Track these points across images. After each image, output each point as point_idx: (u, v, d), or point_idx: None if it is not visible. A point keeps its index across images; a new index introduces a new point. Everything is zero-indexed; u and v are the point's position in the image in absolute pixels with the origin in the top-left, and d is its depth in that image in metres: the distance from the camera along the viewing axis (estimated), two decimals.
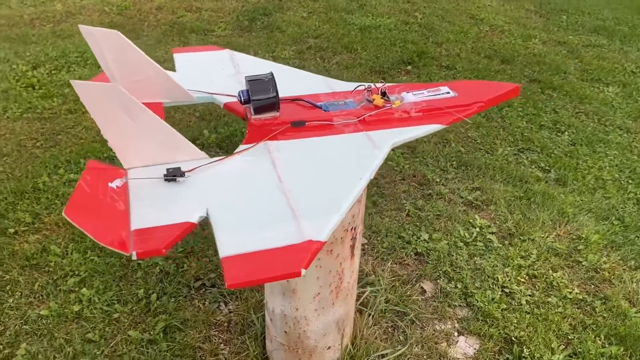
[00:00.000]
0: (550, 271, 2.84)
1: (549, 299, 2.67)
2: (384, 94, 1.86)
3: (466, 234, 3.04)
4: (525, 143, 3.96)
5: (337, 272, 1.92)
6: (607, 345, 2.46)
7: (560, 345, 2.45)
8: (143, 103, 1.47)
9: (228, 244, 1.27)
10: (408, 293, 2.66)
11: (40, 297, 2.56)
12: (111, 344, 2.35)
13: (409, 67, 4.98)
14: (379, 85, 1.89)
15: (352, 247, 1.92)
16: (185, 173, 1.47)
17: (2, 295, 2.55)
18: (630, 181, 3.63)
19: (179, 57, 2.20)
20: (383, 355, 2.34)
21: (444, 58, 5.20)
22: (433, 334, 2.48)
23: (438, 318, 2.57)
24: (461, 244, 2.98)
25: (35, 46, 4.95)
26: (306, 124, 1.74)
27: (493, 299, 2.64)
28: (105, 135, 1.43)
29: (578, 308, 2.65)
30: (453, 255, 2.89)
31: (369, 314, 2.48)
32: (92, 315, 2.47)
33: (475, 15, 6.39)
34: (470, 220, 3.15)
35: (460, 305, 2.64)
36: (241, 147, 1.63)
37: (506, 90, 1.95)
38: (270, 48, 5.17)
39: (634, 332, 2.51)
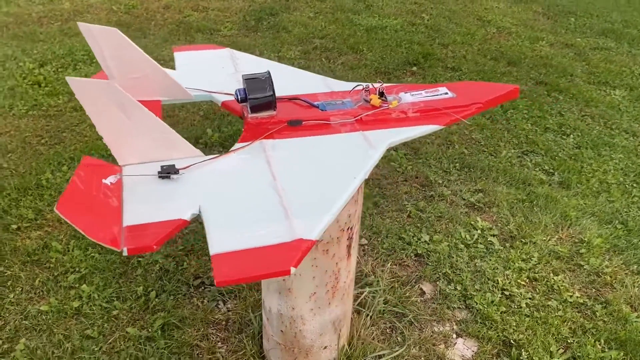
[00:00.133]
0: (551, 274, 2.82)
1: (549, 303, 2.66)
2: (381, 94, 1.86)
3: (467, 236, 3.03)
4: (529, 145, 3.94)
5: (333, 272, 1.92)
6: (606, 350, 2.44)
7: (559, 349, 2.43)
8: (141, 101, 1.48)
9: (219, 242, 1.27)
10: (407, 294, 2.65)
11: (41, 293, 2.57)
12: (109, 341, 2.36)
13: (415, 68, 4.97)
14: (376, 85, 1.89)
15: (349, 247, 1.92)
16: (180, 170, 1.48)
17: (3, 291, 2.57)
18: (635, 185, 3.60)
19: (179, 56, 2.20)
20: (380, 356, 2.33)
21: (450, 59, 5.19)
22: (431, 336, 2.47)
23: (437, 320, 2.56)
24: (462, 245, 2.97)
25: (43, 44, 4.99)
26: (303, 123, 1.75)
27: (492, 302, 2.63)
28: (100, 132, 1.44)
29: (578, 312, 2.63)
30: (453, 257, 2.88)
31: (367, 315, 2.47)
32: (91, 312, 2.48)
33: (483, 17, 6.37)
34: (472, 222, 3.14)
35: (459, 308, 2.63)
36: (237, 145, 1.64)
37: (505, 91, 1.94)
38: (275, 48, 5.18)
39: (634, 337, 2.48)
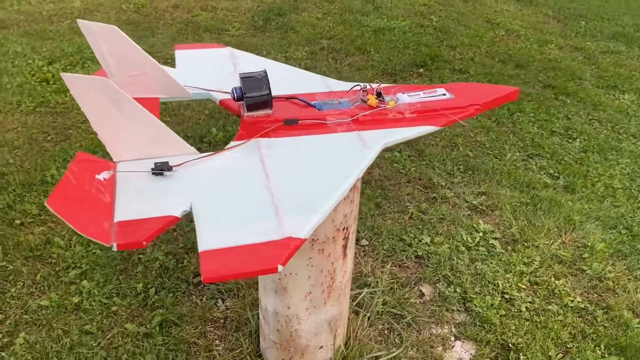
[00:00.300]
0: (553, 279, 2.80)
1: (550, 307, 2.64)
2: (379, 95, 1.85)
3: (469, 239, 3.01)
4: (535, 149, 3.92)
5: (329, 272, 1.92)
6: (606, 355, 2.42)
7: (558, 354, 2.41)
8: (140, 98, 1.49)
9: (208, 239, 1.28)
10: (406, 296, 2.64)
11: (42, 288, 2.59)
12: (108, 336, 2.37)
13: (421, 70, 4.96)
14: (374, 85, 1.89)
15: (345, 247, 1.92)
16: (173, 167, 1.48)
17: (4, 285, 2.59)
18: None
19: (180, 54, 2.21)
20: (377, 357, 2.33)
21: (458, 62, 5.17)
22: (429, 338, 2.46)
23: (435, 322, 2.55)
24: (463, 248, 2.95)
25: (52, 42, 5.03)
26: (299, 122, 1.75)
27: (492, 305, 2.62)
28: (94, 128, 1.45)
29: (579, 317, 2.61)
30: (454, 260, 2.87)
31: (365, 316, 2.47)
32: (91, 308, 2.50)
33: (492, 19, 6.34)
34: (474, 225, 3.12)
35: (458, 310, 2.62)
36: (232, 143, 1.64)
37: (504, 93, 1.93)
38: (283, 48, 5.18)
39: (635, 343, 2.46)
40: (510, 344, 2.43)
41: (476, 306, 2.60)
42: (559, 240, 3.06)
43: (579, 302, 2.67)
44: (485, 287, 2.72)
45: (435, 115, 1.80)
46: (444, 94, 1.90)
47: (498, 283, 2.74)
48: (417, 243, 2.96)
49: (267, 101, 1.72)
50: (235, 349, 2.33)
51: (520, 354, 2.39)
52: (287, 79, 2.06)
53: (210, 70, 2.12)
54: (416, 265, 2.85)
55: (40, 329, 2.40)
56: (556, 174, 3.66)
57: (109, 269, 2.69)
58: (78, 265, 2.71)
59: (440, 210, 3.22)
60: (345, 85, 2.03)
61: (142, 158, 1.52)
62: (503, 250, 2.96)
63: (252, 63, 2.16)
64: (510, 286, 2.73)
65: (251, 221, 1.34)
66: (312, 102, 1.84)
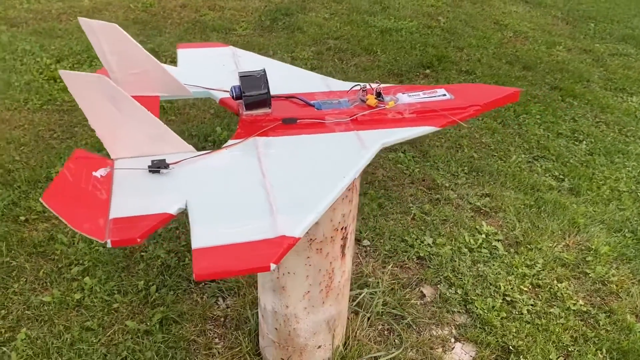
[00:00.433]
0: (555, 281, 2.78)
1: (552, 310, 2.62)
2: (378, 95, 1.85)
3: (471, 240, 3.00)
4: (540, 151, 3.90)
5: (327, 272, 1.92)
6: (608, 359, 2.40)
7: (559, 357, 2.40)
8: (140, 96, 1.50)
9: (202, 236, 1.28)
10: (407, 296, 2.64)
11: (44, 284, 2.61)
12: (108, 333, 2.39)
13: (428, 71, 4.95)
14: (374, 85, 1.89)
15: (343, 246, 1.92)
16: (170, 165, 1.49)
17: (7, 281, 2.61)
18: None
19: (182, 53, 2.22)
20: (376, 358, 2.32)
21: (464, 63, 5.15)
22: (429, 339, 2.46)
23: (435, 323, 2.54)
24: (465, 250, 2.94)
25: (61, 40, 5.07)
26: (298, 121, 1.75)
27: (493, 307, 2.60)
28: (92, 126, 1.46)
29: (581, 320, 2.59)
30: (456, 261, 2.86)
31: (365, 316, 2.46)
32: (92, 304, 2.52)
33: (500, 20, 6.31)
34: (477, 227, 3.11)
35: (459, 312, 2.61)
36: (230, 141, 1.65)
37: (505, 94, 1.93)
38: (289, 48, 5.19)
39: (637, 347, 2.44)
40: (510, 347, 2.42)
41: (477, 308, 2.59)
42: (563, 243, 3.04)
43: (581, 305, 2.65)
44: (486, 289, 2.71)
45: (434, 116, 1.79)
46: (444, 95, 1.89)
47: (500, 285, 2.72)
48: (419, 244, 2.95)
49: (265, 100, 1.72)
50: (235, 347, 2.34)
51: (521, 356, 2.38)
52: (287, 79, 2.07)
53: (211, 69, 2.12)
54: (418, 266, 2.84)
55: (41, 324, 2.42)
56: (561, 177, 3.64)
57: (111, 266, 2.71)
58: (80, 262, 2.73)
59: (443, 211, 3.21)
60: (345, 85, 2.02)
61: (139, 155, 1.53)
62: (505, 253, 2.95)
63: (254, 62, 2.17)
64: (512, 288, 2.72)
65: (245, 219, 1.35)
66: (311, 102, 1.84)
